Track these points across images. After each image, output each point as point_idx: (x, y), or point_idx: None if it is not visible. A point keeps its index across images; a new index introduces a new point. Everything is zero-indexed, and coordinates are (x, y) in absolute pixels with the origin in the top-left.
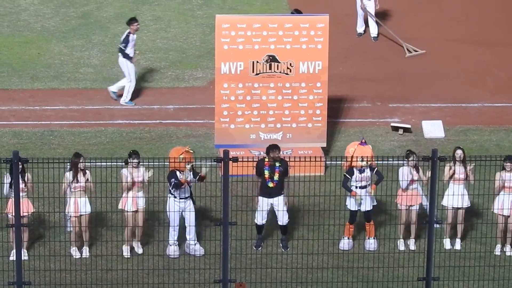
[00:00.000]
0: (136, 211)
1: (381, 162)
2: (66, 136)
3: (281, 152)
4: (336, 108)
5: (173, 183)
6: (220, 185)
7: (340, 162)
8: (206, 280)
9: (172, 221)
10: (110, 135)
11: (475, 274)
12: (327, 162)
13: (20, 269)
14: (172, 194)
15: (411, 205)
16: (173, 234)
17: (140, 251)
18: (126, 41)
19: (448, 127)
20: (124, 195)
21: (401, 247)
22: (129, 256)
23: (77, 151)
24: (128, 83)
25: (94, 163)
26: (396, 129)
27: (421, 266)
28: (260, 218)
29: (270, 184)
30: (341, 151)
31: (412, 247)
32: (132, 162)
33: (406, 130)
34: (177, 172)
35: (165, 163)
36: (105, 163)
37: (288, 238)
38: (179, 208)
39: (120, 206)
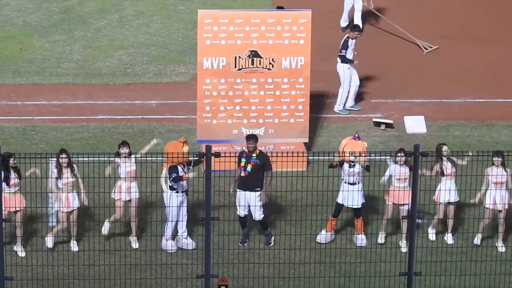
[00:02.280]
0: (130, 201)
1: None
2: (48, 132)
3: (259, 144)
4: (318, 104)
5: (172, 177)
6: (202, 180)
7: (322, 157)
8: (188, 275)
9: (173, 216)
10: (92, 130)
11: (457, 269)
12: (309, 158)
13: (2, 264)
14: (172, 189)
15: (403, 204)
16: (170, 229)
17: (136, 245)
18: (345, 46)
19: (430, 123)
20: (117, 184)
21: (380, 240)
22: (137, 247)
23: (58, 149)
24: (341, 90)
25: (77, 158)
26: (378, 124)
27: (403, 261)
28: (242, 210)
29: (242, 173)
30: (323, 147)
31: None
32: (122, 153)
33: (388, 125)
34: (179, 167)
35: (148, 158)
36: (87, 158)
37: (270, 233)
38: (178, 203)
39: (113, 196)
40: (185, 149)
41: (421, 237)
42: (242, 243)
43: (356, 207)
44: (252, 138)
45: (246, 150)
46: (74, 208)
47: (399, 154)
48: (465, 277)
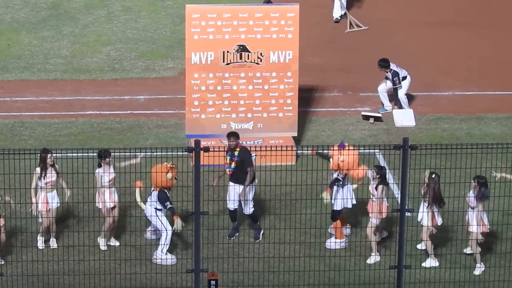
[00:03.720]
0: (114, 207)
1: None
2: (37, 127)
3: (248, 138)
4: (307, 98)
5: (168, 206)
6: (191, 175)
7: (311, 151)
8: (178, 270)
9: (167, 226)
10: (81, 126)
11: (446, 262)
12: (298, 152)
13: None
14: (159, 209)
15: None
16: (168, 241)
17: (117, 243)
18: (395, 75)
19: (419, 116)
20: (100, 194)
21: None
22: (106, 249)
23: (47, 144)
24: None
25: (66, 154)
26: (367, 118)
27: (392, 255)
28: (232, 204)
29: (227, 171)
30: (312, 140)
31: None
32: (105, 162)
33: (377, 119)
34: (166, 192)
35: (136, 153)
36: (76, 154)
37: (259, 227)
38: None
39: (99, 206)
40: (168, 176)
41: (410, 231)
42: (231, 236)
43: (348, 206)
44: (232, 135)
45: (228, 148)
46: (53, 207)
47: (374, 169)
48: (455, 270)
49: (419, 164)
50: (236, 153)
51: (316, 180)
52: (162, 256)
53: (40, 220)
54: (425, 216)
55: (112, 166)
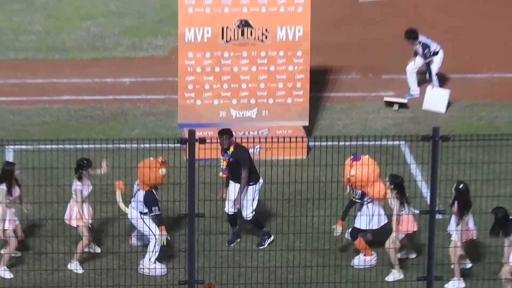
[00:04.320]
0: (92, 223)
1: (373, 143)
2: (4, 115)
3: (250, 128)
4: (320, 81)
5: (155, 212)
6: (185, 171)
7: (325, 143)
8: (169, 282)
9: (154, 229)
10: (55, 114)
11: (485, 272)
12: (310, 144)
13: None
14: (145, 213)
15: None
16: (157, 248)
17: (97, 250)
18: (425, 47)
19: (451, 102)
20: (79, 209)
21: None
22: (82, 271)
23: (16, 134)
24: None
25: (37, 146)
26: (390, 104)
27: (421, 264)
28: (227, 206)
29: (220, 174)
30: (326, 131)
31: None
32: (86, 173)
33: (402, 105)
34: (154, 192)
35: (120, 145)
36: (49, 146)
37: (267, 232)
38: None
39: (73, 223)
40: (162, 171)
41: (441, 236)
42: (231, 243)
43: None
44: (224, 133)
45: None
46: (17, 223)
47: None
48: (495, 282)
49: (451, 158)
50: (229, 152)
51: (331, 177)
52: (150, 265)
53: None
54: (455, 233)
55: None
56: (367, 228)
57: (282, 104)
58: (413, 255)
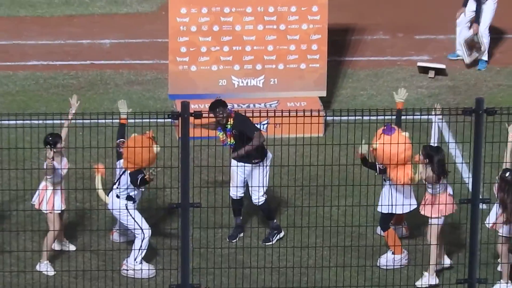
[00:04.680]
0: (62, 211)
1: (404, 117)
2: None
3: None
4: (340, 42)
5: (139, 178)
6: (177, 152)
7: (346, 117)
8: (158, 286)
9: (144, 225)
10: (21, 82)
11: None
12: (328, 118)
13: None
14: (130, 198)
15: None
16: (145, 246)
17: (72, 247)
18: None
19: (498, 68)
20: (49, 193)
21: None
22: (54, 273)
23: None
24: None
25: None
26: (425, 70)
27: (461, 264)
28: (234, 191)
29: (229, 140)
30: (347, 103)
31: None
32: (56, 151)
33: (439, 72)
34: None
35: (99, 120)
36: (14, 121)
37: (277, 226)
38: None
39: (45, 207)
40: (157, 149)
41: (485, 231)
42: (232, 238)
43: (378, 209)
44: (218, 106)
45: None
46: None
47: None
48: None
49: (498, 135)
50: (229, 126)
51: (353, 159)
52: (136, 265)
53: None
54: (501, 226)
55: (64, 156)
56: (390, 212)
57: (295, 70)
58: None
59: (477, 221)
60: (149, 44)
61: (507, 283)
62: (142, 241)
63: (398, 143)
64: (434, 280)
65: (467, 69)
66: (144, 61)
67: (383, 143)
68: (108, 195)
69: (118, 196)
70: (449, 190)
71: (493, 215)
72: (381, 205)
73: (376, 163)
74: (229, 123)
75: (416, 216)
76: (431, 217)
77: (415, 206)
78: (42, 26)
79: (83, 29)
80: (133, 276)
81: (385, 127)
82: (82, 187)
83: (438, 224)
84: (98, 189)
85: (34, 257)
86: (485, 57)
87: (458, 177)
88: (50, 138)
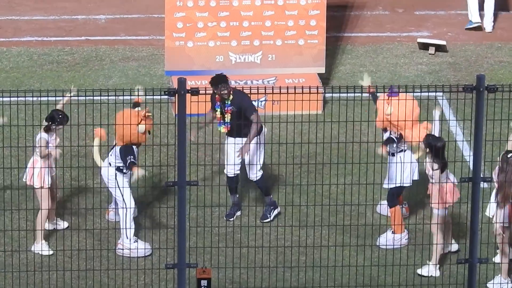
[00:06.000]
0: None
1: (404, 94)
2: None
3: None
4: (339, 18)
5: (129, 161)
6: (173, 129)
7: (345, 94)
8: (154, 265)
9: (129, 201)
10: (14, 58)
11: None
12: (327, 95)
13: None
14: (119, 170)
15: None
16: (130, 223)
17: (65, 224)
18: None
19: (500, 44)
20: (38, 166)
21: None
22: (51, 253)
23: None
24: None
25: None
26: (425, 46)
27: (461, 243)
28: (230, 168)
29: (222, 129)
30: (346, 79)
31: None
32: (57, 128)
33: (439, 48)
34: (134, 148)
35: (94, 97)
36: (7, 98)
37: (273, 203)
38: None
39: (36, 183)
40: (140, 128)
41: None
42: (230, 217)
43: (385, 186)
44: (220, 82)
45: (217, 97)
46: None
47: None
48: None
49: (499, 113)
50: (228, 102)
51: (353, 136)
52: (131, 245)
53: None
54: (498, 213)
55: (59, 137)
56: (400, 185)
57: (293, 46)
58: (456, 248)
59: (477, 200)
60: (145, 20)
61: (507, 282)
62: (125, 217)
63: (406, 99)
64: (435, 273)
65: (467, 45)
66: (140, 37)
67: (401, 104)
68: (104, 161)
69: (110, 164)
70: (453, 179)
71: (493, 206)
72: (388, 182)
73: (390, 134)
74: (229, 98)
75: (416, 195)
76: (437, 208)
77: (416, 178)
78: (35, 1)
79: (78, 4)
80: (128, 255)
81: (388, 91)
82: (77, 165)
83: (444, 215)
84: (94, 153)
85: (28, 237)
86: (489, 28)
87: (459, 155)
88: (60, 116)
